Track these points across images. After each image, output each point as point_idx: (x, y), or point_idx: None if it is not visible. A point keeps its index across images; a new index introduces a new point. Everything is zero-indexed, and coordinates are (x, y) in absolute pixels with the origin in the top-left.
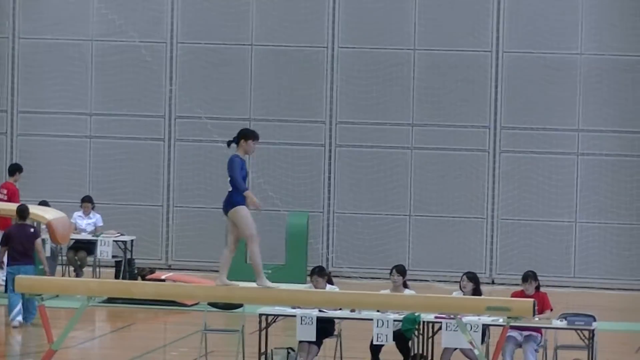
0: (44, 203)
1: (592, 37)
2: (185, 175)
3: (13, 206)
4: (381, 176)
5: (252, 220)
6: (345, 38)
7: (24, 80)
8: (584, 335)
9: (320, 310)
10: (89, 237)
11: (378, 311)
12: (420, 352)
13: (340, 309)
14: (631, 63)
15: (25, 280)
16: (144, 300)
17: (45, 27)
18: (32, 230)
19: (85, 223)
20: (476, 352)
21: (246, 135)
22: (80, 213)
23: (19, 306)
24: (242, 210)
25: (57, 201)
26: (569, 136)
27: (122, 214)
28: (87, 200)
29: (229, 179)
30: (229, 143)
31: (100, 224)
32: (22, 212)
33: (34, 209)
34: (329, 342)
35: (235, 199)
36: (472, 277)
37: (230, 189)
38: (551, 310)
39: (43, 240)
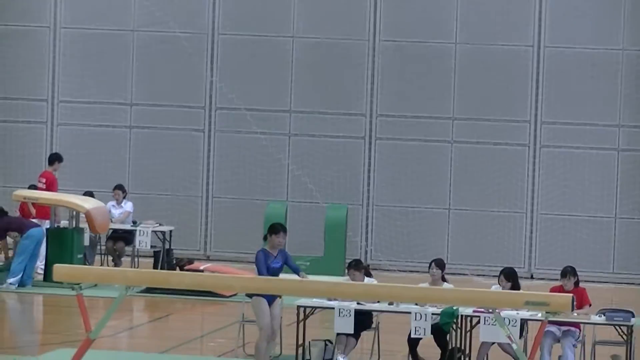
0: (89, 193)
1: (634, 33)
2: (224, 166)
3: (52, 195)
4: (421, 169)
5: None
6: (387, 31)
7: (65, 70)
8: (622, 331)
9: (358, 303)
10: (128, 227)
11: (416, 304)
12: (458, 345)
13: (378, 302)
14: None
15: (64, 269)
16: (182, 291)
17: (87, 17)
18: None
19: (118, 212)
20: (514, 346)
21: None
22: (113, 202)
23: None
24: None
25: (96, 191)
26: (609, 131)
27: (161, 204)
28: (118, 187)
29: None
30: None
31: (130, 210)
32: None
33: (73, 199)
34: (366, 335)
35: None
36: (510, 274)
37: None
38: (590, 305)
39: (82, 230)
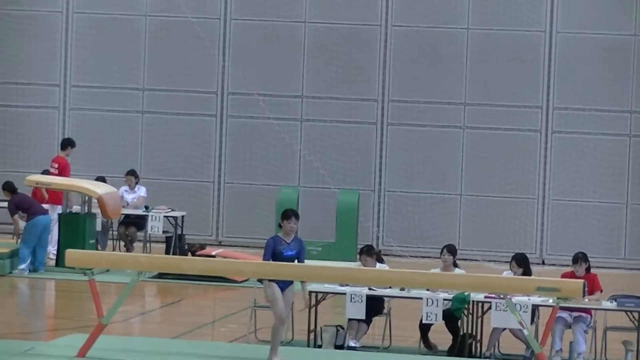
0: (101, 179)
1: None
2: (236, 151)
3: (64, 180)
4: (432, 155)
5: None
6: (399, 16)
7: (77, 54)
8: (633, 317)
9: (369, 289)
10: (140, 212)
11: (428, 290)
12: (470, 331)
13: (390, 288)
14: None
15: (77, 254)
16: (194, 276)
17: (99, 2)
18: None
19: (131, 197)
20: (525, 332)
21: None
22: (126, 187)
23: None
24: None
25: (108, 176)
26: (621, 117)
27: (172, 190)
28: (130, 173)
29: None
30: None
31: (144, 195)
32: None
33: (85, 184)
34: (378, 321)
35: None
36: (521, 260)
37: None
38: (601, 291)
39: (94, 215)
